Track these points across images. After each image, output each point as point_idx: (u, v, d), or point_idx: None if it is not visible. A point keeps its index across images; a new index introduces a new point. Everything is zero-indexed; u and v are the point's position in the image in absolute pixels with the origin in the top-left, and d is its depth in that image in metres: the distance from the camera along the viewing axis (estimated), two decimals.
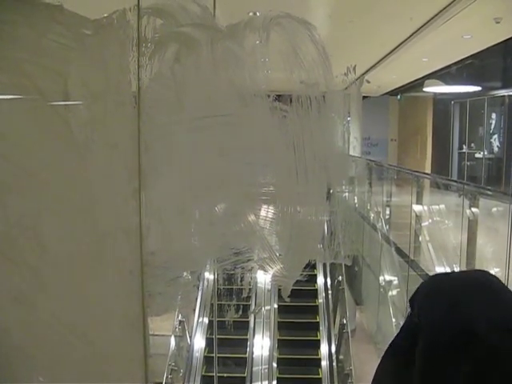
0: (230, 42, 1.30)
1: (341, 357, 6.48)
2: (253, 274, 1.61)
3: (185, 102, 1.26)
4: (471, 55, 8.69)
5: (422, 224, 7.22)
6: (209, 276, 5.99)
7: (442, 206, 7.09)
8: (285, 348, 6.77)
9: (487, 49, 7.87)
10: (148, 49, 1.21)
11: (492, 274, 0.84)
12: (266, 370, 6.23)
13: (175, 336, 6.39)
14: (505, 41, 7.26)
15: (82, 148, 1.12)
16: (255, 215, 1.43)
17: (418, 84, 11.85)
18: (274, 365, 6.34)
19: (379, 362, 0.87)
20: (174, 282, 1.32)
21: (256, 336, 6.61)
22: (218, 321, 5.28)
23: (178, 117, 1.26)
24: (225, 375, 5.86)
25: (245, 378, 6.26)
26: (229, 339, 6.09)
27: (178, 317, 6.40)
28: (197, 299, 6.62)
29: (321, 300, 7.42)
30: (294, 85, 1.36)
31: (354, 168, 9.06)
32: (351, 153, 9.33)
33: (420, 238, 7.23)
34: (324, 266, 7.16)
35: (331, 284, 7.25)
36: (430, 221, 7.26)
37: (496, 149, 11.64)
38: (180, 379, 6.22)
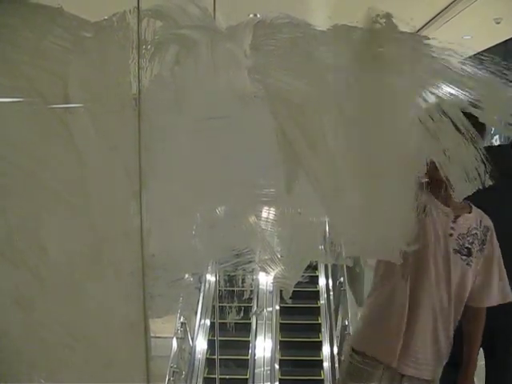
0: (230, 44, 1.29)
1: (342, 358, 6.45)
2: (254, 276, 1.61)
3: (185, 103, 1.26)
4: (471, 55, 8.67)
5: None
6: (210, 278, 5.98)
7: None
8: (287, 350, 6.76)
9: (487, 49, 7.87)
10: (148, 51, 1.21)
11: None
12: (269, 372, 6.22)
13: (177, 338, 6.38)
14: (505, 41, 7.26)
15: (82, 150, 1.12)
16: (256, 216, 1.43)
17: None
18: (277, 366, 6.33)
19: None
20: (175, 283, 1.32)
21: (258, 338, 6.60)
22: (219, 323, 5.27)
23: (179, 119, 1.25)
24: (227, 377, 5.85)
25: (247, 379, 6.25)
26: (231, 341, 6.08)
27: (179, 319, 6.38)
28: (198, 301, 6.61)
29: (322, 301, 7.40)
30: None
31: None
32: None
33: None
34: (325, 267, 7.15)
35: (333, 285, 7.22)
36: None
37: None
38: (182, 381, 6.21)
